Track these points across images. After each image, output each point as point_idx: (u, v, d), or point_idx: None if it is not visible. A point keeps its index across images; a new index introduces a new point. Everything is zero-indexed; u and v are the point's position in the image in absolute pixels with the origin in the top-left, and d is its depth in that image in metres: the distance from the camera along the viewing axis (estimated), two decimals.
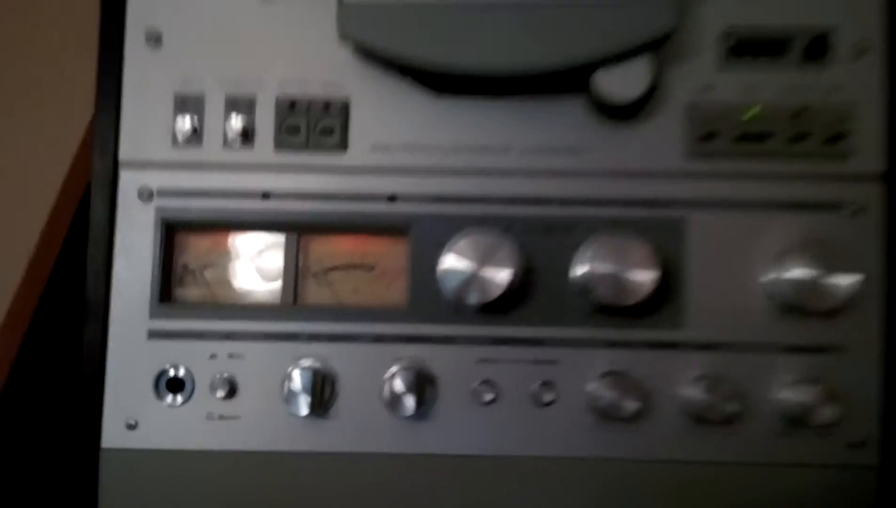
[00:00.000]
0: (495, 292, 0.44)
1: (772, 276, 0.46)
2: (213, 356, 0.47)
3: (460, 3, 0.44)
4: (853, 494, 0.46)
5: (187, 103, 0.48)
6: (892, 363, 0.46)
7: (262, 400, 0.47)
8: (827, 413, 0.45)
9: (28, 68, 0.57)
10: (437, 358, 0.47)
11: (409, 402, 0.44)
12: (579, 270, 0.46)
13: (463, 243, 0.45)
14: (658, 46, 0.44)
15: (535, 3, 0.44)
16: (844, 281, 0.44)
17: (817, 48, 0.46)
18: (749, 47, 0.47)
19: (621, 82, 0.45)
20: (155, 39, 0.48)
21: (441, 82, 0.46)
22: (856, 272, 0.43)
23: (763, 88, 0.47)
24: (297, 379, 0.45)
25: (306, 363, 0.46)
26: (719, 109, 0.47)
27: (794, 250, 0.45)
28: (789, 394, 0.46)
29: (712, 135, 0.47)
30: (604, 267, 0.44)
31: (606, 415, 0.45)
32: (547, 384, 0.46)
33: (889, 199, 0.47)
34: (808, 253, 0.44)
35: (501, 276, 0.44)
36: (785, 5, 0.47)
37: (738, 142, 0.47)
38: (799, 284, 0.44)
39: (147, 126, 0.48)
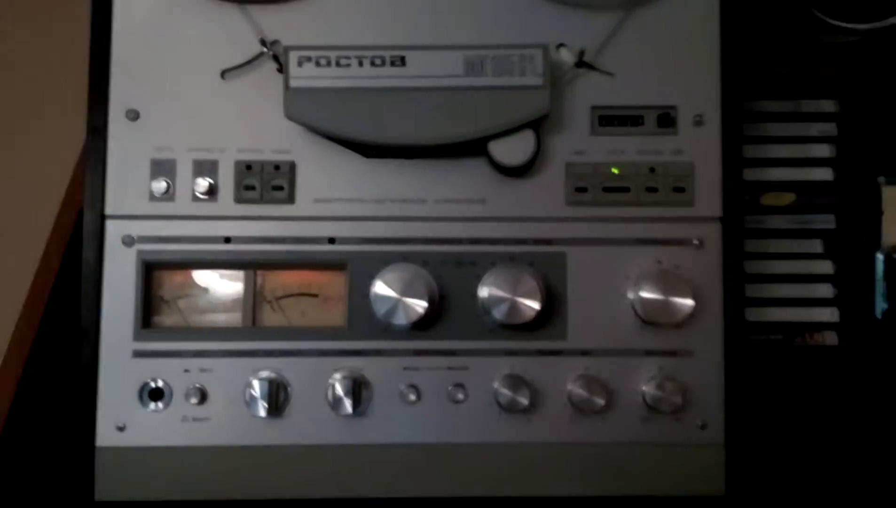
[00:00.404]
0: (415, 316, 0.56)
1: (632, 296, 0.58)
2: (186, 371, 0.57)
3: (383, 87, 0.56)
4: (703, 466, 0.58)
5: (161, 167, 0.58)
6: (730, 364, 0.59)
7: (228, 405, 0.57)
8: (676, 402, 0.57)
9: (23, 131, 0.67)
10: (370, 368, 0.58)
11: (348, 403, 0.56)
12: (482, 295, 0.57)
13: (389, 276, 0.56)
14: (538, 123, 0.57)
15: (441, 87, 0.56)
16: (683, 303, 0.56)
17: (665, 120, 0.59)
18: (612, 120, 0.59)
19: (510, 150, 0.57)
20: (134, 115, 0.59)
21: (369, 149, 0.58)
22: (690, 297, 0.56)
23: (624, 151, 0.59)
24: (256, 387, 0.56)
25: (263, 374, 0.57)
26: (590, 168, 0.59)
27: (648, 277, 0.57)
28: (648, 388, 0.58)
29: (585, 188, 0.59)
30: (500, 294, 0.56)
31: (507, 408, 0.57)
32: (459, 386, 0.58)
33: (724, 236, 0.60)
34: (657, 280, 0.57)
35: (420, 303, 0.56)
36: (639, 88, 0.59)
37: (605, 193, 0.59)
38: (650, 303, 0.57)
39: (128, 185, 0.58)
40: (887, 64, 0.75)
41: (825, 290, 0.75)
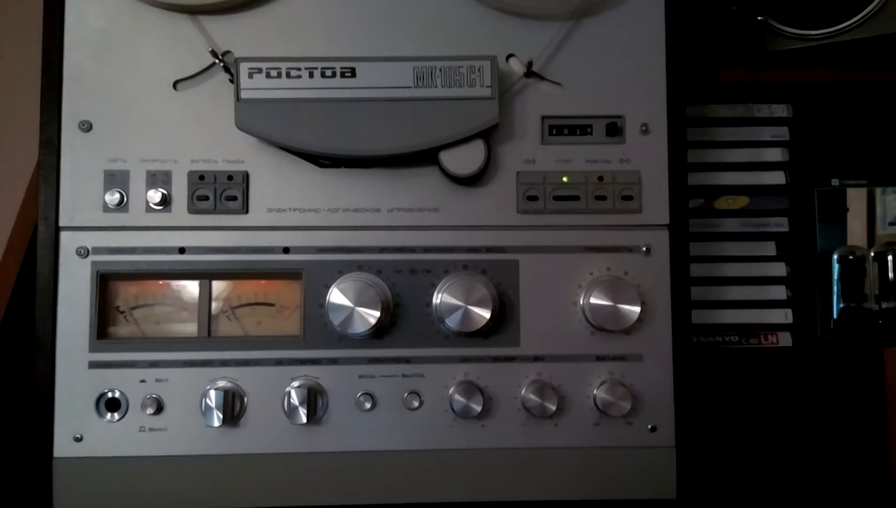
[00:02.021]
0: (369, 325, 0.57)
1: (582, 303, 0.60)
2: (142, 381, 0.58)
3: (333, 98, 0.57)
4: (655, 469, 0.60)
5: (115, 178, 0.59)
6: (679, 367, 0.61)
7: (184, 415, 0.58)
8: (626, 406, 0.59)
9: None
10: (326, 376, 0.59)
11: (302, 412, 0.57)
12: (436, 303, 0.59)
13: (343, 285, 0.57)
14: (487, 133, 0.58)
15: (391, 99, 0.57)
16: (631, 309, 0.58)
17: (613, 129, 0.61)
18: (562, 129, 0.61)
19: (461, 160, 0.58)
20: (87, 126, 0.59)
21: (322, 159, 0.59)
22: (638, 304, 0.57)
23: (573, 160, 0.61)
24: (211, 397, 0.57)
25: (219, 384, 0.58)
26: (541, 176, 0.61)
27: (597, 284, 0.59)
28: (599, 392, 0.60)
29: (536, 197, 0.61)
30: (453, 302, 0.58)
31: (461, 415, 0.59)
32: (414, 393, 0.59)
33: (671, 243, 0.61)
34: (606, 287, 0.59)
35: (373, 312, 0.57)
36: (587, 98, 0.61)
37: (555, 201, 0.61)
38: (599, 310, 0.58)
39: (82, 197, 0.59)
40: (839, 68, 0.77)
41: (779, 292, 0.77)
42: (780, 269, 0.78)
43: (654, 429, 0.60)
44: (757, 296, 0.78)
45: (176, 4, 0.59)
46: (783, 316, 0.78)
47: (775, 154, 0.79)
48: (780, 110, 0.80)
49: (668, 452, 0.60)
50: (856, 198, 0.79)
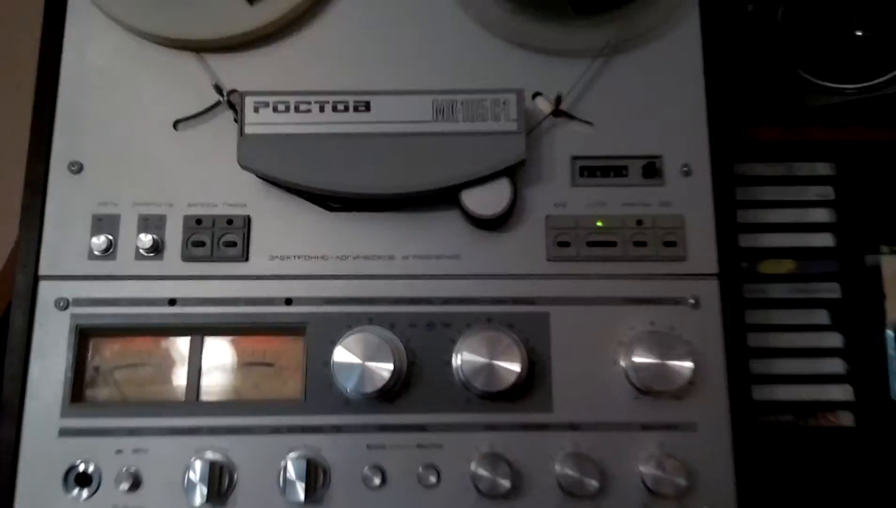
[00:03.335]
0: (381, 382, 0.50)
1: (624, 362, 0.52)
2: (119, 452, 0.51)
3: (345, 133, 0.52)
4: None
5: (103, 223, 0.55)
6: (739, 438, 0.53)
7: (164, 492, 0.51)
8: (679, 483, 0.50)
9: None
10: (329, 446, 0.52)
11: (300, 488, 0.49)
12: (456, 361, 0.52)
13: (351, 339, 0.50)
14: (513, 171, 0.53)
15: (408, 133, 0.52)
16: (682, 366, 0.51)
17: (651, 170, 0.56)
18: (594, 170, 0.56)
19: (485, 200, 0.53)
20: (77, 168, 0.54)
21: (331, 202, 0.53)
22: (690, 360, 0.50)
23: (607, 203, 0.55)
24: (196, 470, 0.49)
25: (206, 455, 0.50)
26: (572, 220, 0.55)
27: (640, 339, 0.52)
28: (647, 468, 0.51)
29: (568, 243, 0.55)
30: (476, 358, 0.50)
31: (486, 493, 0.51)
32: (431, 467, 0.51)
33: (722, 294, 0.54)
34: (652, 342, 0.51)
35: (385, 366, 0.50)
36: (621, 137, 0.57)
37: (589, 247, 0.54)
38: (645, 368, 0.51)
39: (66, 243, 0.54)
40: (882, 124, 0.73)
41: (836, 365, 0.69)
42: (835, 340, 0.70)
43: None
44: (811, 370, 0.70)
45: (181, 40, 0.56)
46: (842, 393, 0.70)
47: (821, 215, 0.73)
48: (824, 169, 0.74)
49: None
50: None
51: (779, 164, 0.73)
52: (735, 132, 0.72)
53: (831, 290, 0.71)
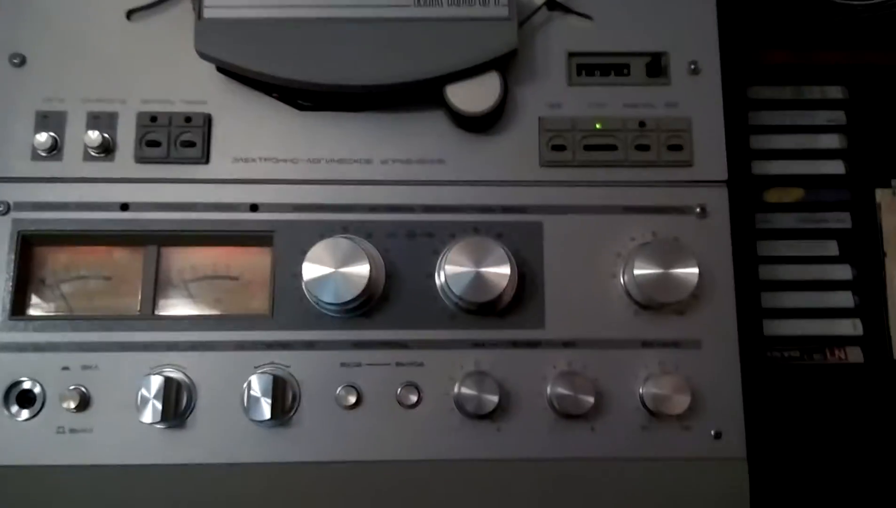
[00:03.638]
0: (356, 289, 0.45)
1: (624, 275, 0.48)
2: (65, 369, 0.46)
3: (315, 17, 0.47)
4: (720, 486, 0.48)
5: (49, 120, 0.49)
6: (747, 355, 0.48)
7: (116, 413, 0.47)
8: (682, 403, 0.46)
9: None
10: (299, 364, 0.47)
11: (265, 405, 0.44)
12: (440, 272, 0.47)
13: (320, 246, 0.46)
14: (504, 64, 0.48)
15: (387, 19, 0.47)
16: (687, 274, 0.46)
17: (655, 68, 0.51)
18: (593, 68, 0.51)
19: (472, 96, 0.48)
20: (19, 60, 0.49)
21: (301, 97, 0.48)
22: (695, 266, 0.46)
23: (607, 104, 0.50)
24: (149, 387, 0.44)
25: (165, 371, 0.45)
26: (569, 122, 0.50)
27: (641, 249, 0.47)
28: (647, 387, 0.47)
29: (563, 146, 0.50)
30: (461, 268, 0.46)
31: (472, 414, 0.46)
32: (411, 386, 0.47)
33: (731, 202, 0.50)
34: (654, 250, 0.47)
35: (361, 270, 0.45)
36: (622, 32, 0.52)
37: (586, 151, 0.50)
38: (646, 279, 0.46)
39: (6, 142, 0.49)
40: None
41: (845, 299, 0.65)
42: (844, 272, 0.66)
43: (718, 435, 0.47)
44: (819, 303, 0.65)
45: None
46: (851, 327, 0.66)
47: (832, 140, 0.68)
48: (835, 92, 0.69)
49: (737, 465, 0.48)
50: None
51: (787, 87, 0.69)
52: (742, 54, 0.67)
53: (841, 220, 0.67)
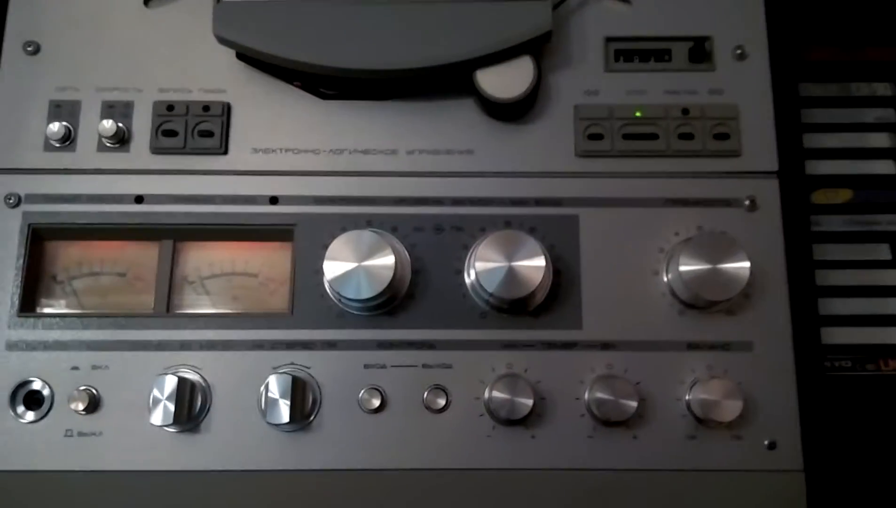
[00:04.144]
0: (382, 285, 0.42)
1: (667, 271, 0.45)
2: (75, 368, 0.44)
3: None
4: (775, 500, 0.44)
5: (62, 109, 0.48)
6: (802, 359, 0.45)
7: (127, 415, 0.45)
8: (733, 411, 0.43)
9: None
10: (320, 365, 0.45)
11: (284, 408, 0.42)
12: (470, 268, 0.44)
13: (342, 239, 0.43)
14: (537, 47, 0.46)
15: (415, 0, 0.44)
16: (738, 268, 0.43)
17: (699, 53, 0.48)
18: (632, 54, 0.48)
19: (503, 82, 0.46)
20: (34, 48, 0.48)
21: (324, 85, 0.46)
22: (746, 260, 0.43)
23: (647, 91, 0.48)
24: (163, 387, 0.42)
25: (179, 372, 0.43)
26: (606, 110, 0.47)
27: (686, 244, 0.44)
28: (694, 394, 0.44)
29: (601, 135, 0.47)
30: (492, 264, 0.43)
31: (503, 420, 0.44)
32: (439, 389, 0.44)
33: (783, 195, 0.47)
34: (700, 244, 0.44)
35: (387, 262, 0.42)
36: (663, 16, 0.50)
37: (626, 141, 0.47)
38: (693, 276, 0.43)
39: (19, 132, 0.48)
40: None
41: None
42: None
43: (772, 446, 0.44)
44: (871, 310, 0.62)
45: None
46: None
47: (881, 139, 0.64)
48: (884, 89, 0.66)
49: (793, 478, 0.44)
50: None
51: (832, 84, 0.65)
52: (790, 45, 0.64)
53: (893, 222, 0.63)
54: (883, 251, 0.62)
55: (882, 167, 0.63)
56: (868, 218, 0.63)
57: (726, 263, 0.44)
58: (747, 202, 0.47)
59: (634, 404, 0.43)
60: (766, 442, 0.44)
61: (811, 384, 0.46)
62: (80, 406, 0.43)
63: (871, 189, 0.63)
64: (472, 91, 0.47)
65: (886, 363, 0.60)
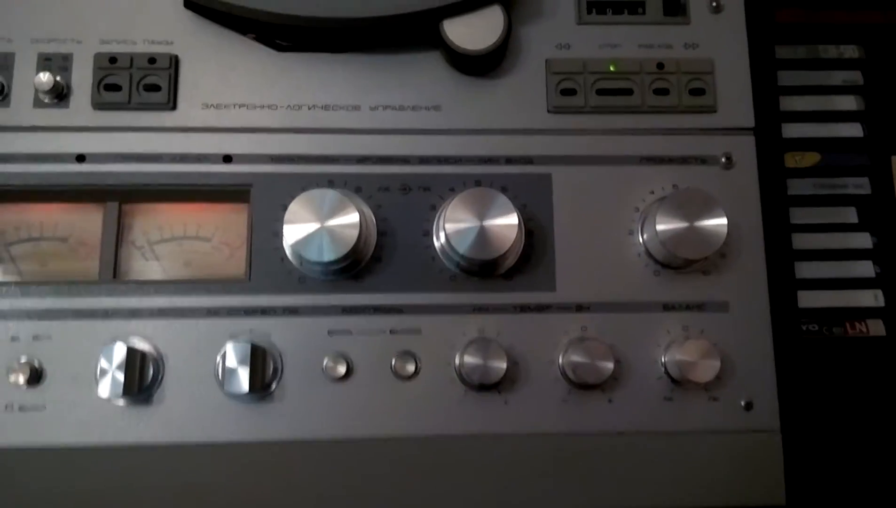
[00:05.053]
0: (347, 246, 0.41)
1: (642, 231, 0.44)
2: (14, 339, 0.42)
3: None
4: (751, 462, 0.44)
5: None
6: (779, 319, 0.45)
7: (72, 387, 0.43)
8: (709, 371, 0.42)
9: None
10: (281, 331, 0.44)
11: (243, 376, 0.40)
12: (438, 229, 0.43)
13: (302, 198, 0.42)
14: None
15: None
16: (715, 225, 0.42)
17: (673, 5, 0.47)
18: (604, 6, 0.48)
19: (471, 33, 0.45)
20: None
21: (280, 35, 0.44)
22: (723, 216, 0.42)
23: (621, 44, 0.47)
24: (111, 357, 0.40)
25: (128, 341, 0.41)
26: (579, 64, 0.46)
27: (662, 202, 0.44)
28: (670, 354, 0.44)
29: (573, 90, 0.46)
30: (464, 223, 0.42)
31: (475, 386, 0.43)
32: (408, 355, 0.43)
33: (759, 151, 0.47)
34: (676, 201, 0.43)
35: (350, 220, 0.41)
36: None
37: (599, 96, 0.46)
38: (669, 235, 0.43)
39: None
40: None
41: (865, 268, 0.61)
42: (864, 240, 0.62)
43: (748, 406, 0.44)
44: (837, 274, 0.62)
45: None
46: (872, 298, 0.62)
47: (849, 102, 0.64)
48: (851, 52, 0.66)
49: (770, 438, 0.44)
50: None
51: (800, 46, 0.65)
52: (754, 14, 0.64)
53: (860, 185, 0.63)
54: (850, 215, 0.62)
55: (849, 130, 0.63)
56: (835, 181, 0.63)
57: (703, 220, 0.43)
58: (723, 160, 0.47)
59: (610, 365, 0.42)
60: (742, 403, 0.44)
61: (788, 345, 0.46)
62: (21, 379, 0.41)
63: (839, 152, 0.63)
64: (439, 43, 0.45)
65: (853, 326, 0.60)
